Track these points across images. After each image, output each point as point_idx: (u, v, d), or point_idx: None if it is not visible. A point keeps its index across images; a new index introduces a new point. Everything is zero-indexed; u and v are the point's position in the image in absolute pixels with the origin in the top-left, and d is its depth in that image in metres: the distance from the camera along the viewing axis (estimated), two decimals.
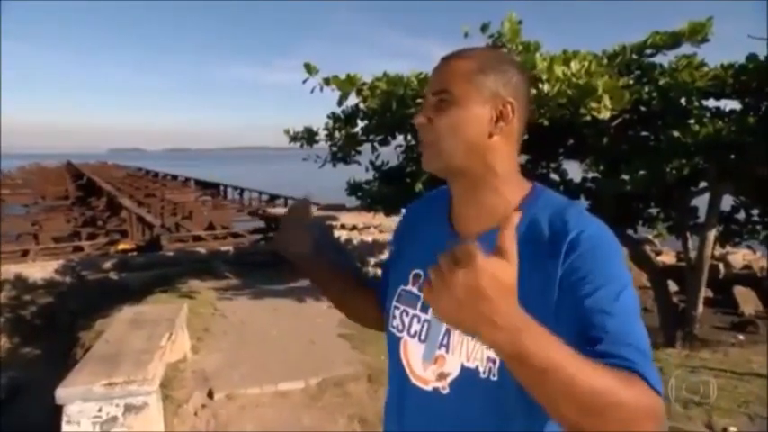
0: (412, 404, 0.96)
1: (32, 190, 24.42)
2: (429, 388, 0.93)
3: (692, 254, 5.51)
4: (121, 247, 10.90)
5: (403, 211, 1.22)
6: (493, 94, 0.89)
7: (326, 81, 5.49)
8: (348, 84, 5.49)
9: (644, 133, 5.04)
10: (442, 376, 0.91)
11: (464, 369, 0.88)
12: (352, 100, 5.91)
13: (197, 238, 11.08)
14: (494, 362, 0.85)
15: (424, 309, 0.96)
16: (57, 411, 3.73)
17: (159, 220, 12.65)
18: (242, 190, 22.11)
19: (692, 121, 4.60)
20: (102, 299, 6.79)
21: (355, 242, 8.79)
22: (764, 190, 5.14)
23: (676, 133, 4.39)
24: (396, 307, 1.00)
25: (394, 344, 1.00)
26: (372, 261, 8.75)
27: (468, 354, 0.88)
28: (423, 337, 0.95)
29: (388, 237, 9.03)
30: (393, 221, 8.86)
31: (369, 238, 8.83)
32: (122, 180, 29.96)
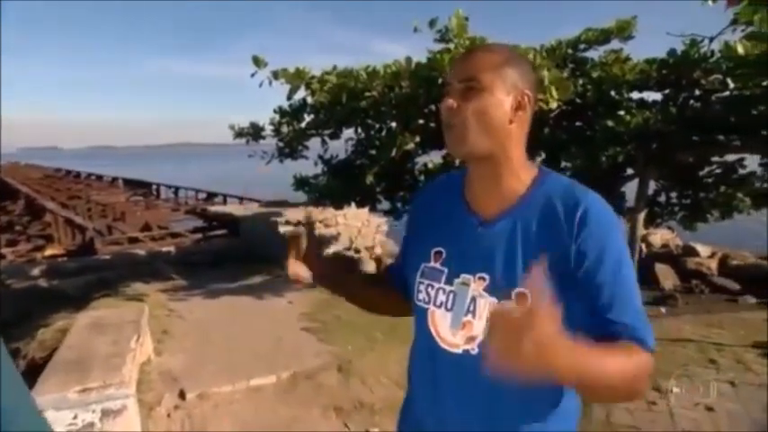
0: (444, 367, 1.05)
1: None
2: (459, 351, 1.03)
3: None
4: (49, 252, 10.17)
5: (414, 196, 1.30)
6: (514, 85, 0.99)
7: (275, 75, 5.39)
8: (297, 77, 5.42)
9: (578, 123, 5.34)
10: (470, 339, 1.01)
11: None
12: (299, 94, 5.85)
13: (133, 240, 10.53)
14: None
15: (449, 282, 1.05)
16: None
17: (90, 223, 11.91)
18: (176, 188, 21.19)
19: (622, 112, 4.93)
20: (35, 308, 6.32)
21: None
22: (682, 174, 5.60)
23: (610, 123, 4.69)
24: (420, 282, 1.09)
25: (421, 315, 1.09)
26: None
27: None
28: (449, 306, 1.04)
29: (333, 231, 9.00)
30: (339, 215, 8.84)
31: (315, 233, 8.78)
32: (40, 181, 27.82)
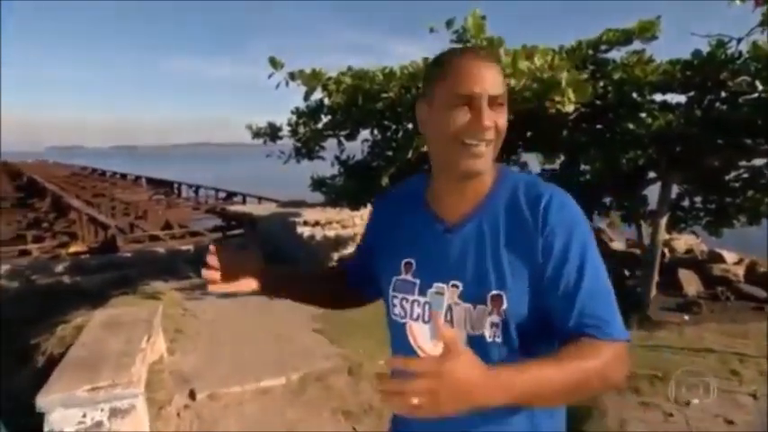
0: None
1: None
2: None
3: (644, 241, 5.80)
4: (73, 249, 10.42)
5: (375, 202, 1.27)
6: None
7: (292, 76, 5.43)
8: (314, 78, 5.44)
9: (599, 126, 5.25)
10: None
11: (471, 338, 0.98)
12: (316, 95, 5.88)
13: (154, 238, 10.75)
14: (497, 326, 0.97)
15: (422, 293, 1.03)
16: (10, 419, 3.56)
17: (112, 221, 12.17)
18: (197, 187, 21.51)
19: (643, 114, 4.83)
20: (57, 304, 6.47)
21: (318, 238, 8.73)
22: (707, 178, 5.47)
23: (631, 125, 4.61)
24: (394, 296, 1.08)
25: (399, 330, 1.07)
26: (336, 256, 8.72)
27: (472, 324, 0.98)
28: (426, 318, 1.02)
29: (351, 231, 9.01)
30: (356, 216, 8.85)
31: (331, 233, 8.79)
32: (67, 179, 28.53)
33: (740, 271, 7.15)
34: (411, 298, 1.05)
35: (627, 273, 7.05)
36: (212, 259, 1.07)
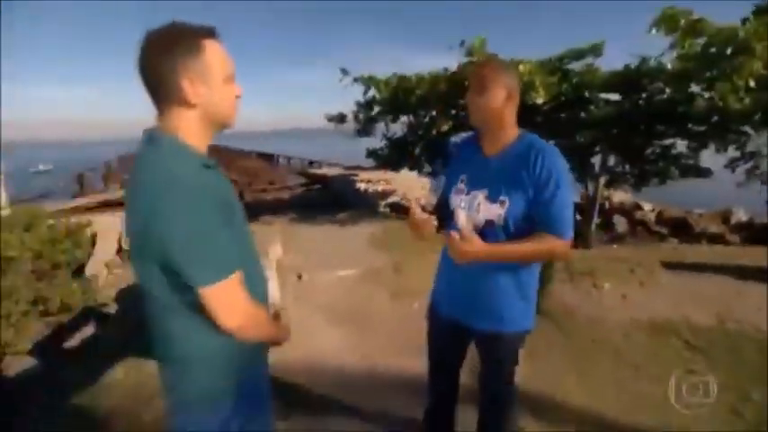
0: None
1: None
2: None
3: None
4: None
5: (454, 145, 1.43)
6: (505, 85, 1.16)
7: (355, 79, 5.56)
8: (370, 81, 5.57)
9: (563, 114, 5.16)
10: (475, 227, 1.18)
11: (487, 221, 1.17)
12: (371, 92, 5.98)
13: (263, 190, 11.24)
14: (501, 216, 1.14)
15: (467, 194, 1.22)
16: None
17: (240, 178, 12.72)
18: (290, 158, 21.93)
19: (592, 107, 4.74)
20: None
21: (370, 191, 8.90)
22: (633, 152, 5.33)
23: (583, 115, 4.55)
24: (455, 195, 1.26)
25: (452, 214, 1.23)
26: (383, 204, 8.88)
27: (488, 212, 1.16)
28: (466, 208, 1.21)
29: (392, 187, 9.08)
30: (397, 177, 8.92)
31: (380, 188, 8.93)
32: (210, 153, 29.16)
33: (652, 216, 7.05)
34: (461, 196, 1.23)
35: (578, 216, 7.03)
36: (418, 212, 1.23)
